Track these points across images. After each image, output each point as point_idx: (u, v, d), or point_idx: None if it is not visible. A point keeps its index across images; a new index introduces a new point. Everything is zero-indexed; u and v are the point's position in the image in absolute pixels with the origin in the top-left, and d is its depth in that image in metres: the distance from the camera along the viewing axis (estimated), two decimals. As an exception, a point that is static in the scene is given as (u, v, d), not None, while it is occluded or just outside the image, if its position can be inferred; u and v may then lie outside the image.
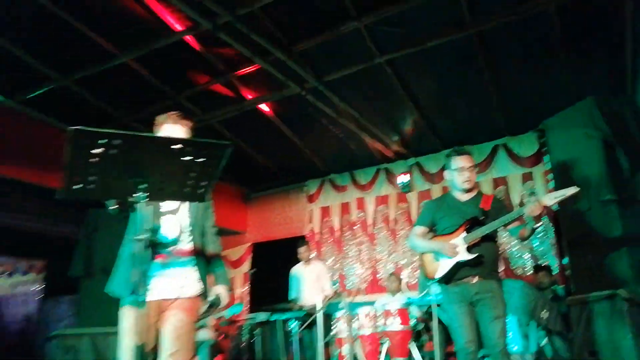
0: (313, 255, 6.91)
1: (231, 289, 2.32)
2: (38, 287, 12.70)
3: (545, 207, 2.79)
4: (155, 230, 2.31)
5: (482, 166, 6.89)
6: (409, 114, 6.30)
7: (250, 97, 5.79)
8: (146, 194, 1.78)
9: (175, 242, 2.38)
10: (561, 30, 4.65)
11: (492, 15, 4.53)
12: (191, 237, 2.43)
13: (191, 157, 1.76)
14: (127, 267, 2.27)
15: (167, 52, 4.89)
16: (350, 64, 5.19)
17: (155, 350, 2.34)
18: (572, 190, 2.71)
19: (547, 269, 5.73)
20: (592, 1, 4.31)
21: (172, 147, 1.70)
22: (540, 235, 6.37)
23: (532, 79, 5.57)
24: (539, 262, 6.16)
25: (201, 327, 5.22)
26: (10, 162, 5.52)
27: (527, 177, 6.68)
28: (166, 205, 2.44)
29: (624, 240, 3.07)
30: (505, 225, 2.96)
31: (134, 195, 1.77)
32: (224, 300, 2.47)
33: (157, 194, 1.87)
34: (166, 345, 2.30)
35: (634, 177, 3.19)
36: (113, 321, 4.31)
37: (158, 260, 2.33)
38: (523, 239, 3.05)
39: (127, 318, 2.33)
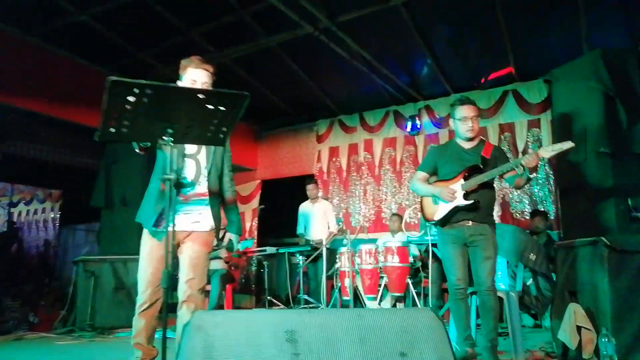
0: (320, 193, 7.17)
1: (241, 229, 2.59)
2: (55, 215, 13.26)
3: (542, 158, 2.97)
4: (178, 171, 2.49)
5: (490, 111, 6.99)
6: (422, 57, 6.33)
7: (263, 35, 5.81)
8: (172, 138, 1.99)
9: (193, 184, 2.62)
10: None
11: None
12: (207, 180, 2.66)
13: (214, 106, 1.94)
14: (153, 202, 2.56)
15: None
16: (365, 4, 5.15)
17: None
18: (567, 145, 2.88)
19: (544, 214, 5.98)
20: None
21: (198, 96, 1.88)
22: (540, 181, 6.57)
23: (546, 28, 5.55)
24: (537, 207, 6.40)
25: (214, 258, 5.60)
26: (29, 95, 5.69)
27: (533, 124, 6.78)
28: (189, 148, 2.64)
29: (613, 191, 3.24)
30: (502, 174, 3.15)
31: (162, 137, 1.97)
32: (236, 246, 2.75)
33: (182, 138, 2.07)
34: (183, 273, 2.61)
35: (630, 130, 3.32)
36: (131, 249, 4.68)
37: (178, 198, 2.55)
38: (518, 188, 3.25)
39: (146, 246, 2.62)
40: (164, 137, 1.97)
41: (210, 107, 1.94)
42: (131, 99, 1.78)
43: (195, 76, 2.65)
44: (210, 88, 2.64)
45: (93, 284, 5.57)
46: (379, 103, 7.77)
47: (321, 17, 5.14)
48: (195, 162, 2.66)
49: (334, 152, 8.35)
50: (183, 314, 2.57)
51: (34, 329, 6.01)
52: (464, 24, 5.67)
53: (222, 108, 1.95)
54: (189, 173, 2.62)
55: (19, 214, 14.37)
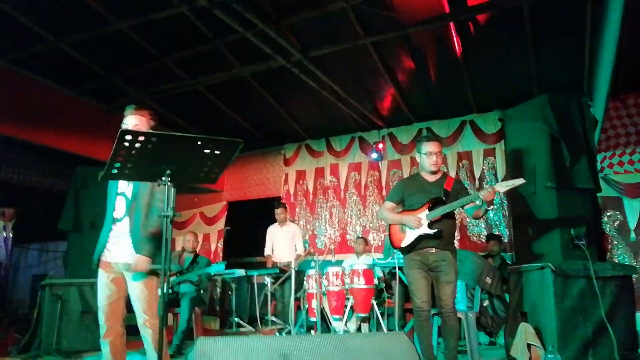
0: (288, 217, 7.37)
1: (152, 257, 2.82)
2: (8, 234, 12.81)
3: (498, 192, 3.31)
4: (113, 208, 2.90)
5: (450, 140, 7.43)
6: (386, 89, 6.71)
7: (236, 66, 6.03)
8: (169, 178, 2.19)
9: (119, 219, 2.90)
10: (531, 25, 5.12)
11: (471, 7, 4.93)
12: (128, 217, 2.89)
13: (210, 150, 2.16)
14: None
15: (161, 21, 5.05)
16: (336, 41, 5.48)
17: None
18: (519, 181, 3.24)
19: (498, 237, 6.41)
20: (559, 2, 4.76)
21: (197, 142, 2.09)
22: (495, 207, 7.02)
23: (502, 66, 6.03)
24: (492, 232, 6.83)
25: (184, 280, 5.69)
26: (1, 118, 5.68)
27: (489, 153, 7.25)
28: (121, 185, 2.92)
29: (558, 222, 3.64)
30: (462, 206, 3.48)
31: (161, 177, 2.17)
32: (135, 265, 2.84)
33: (178, 178, 2.26)
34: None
35: (573, 167, 3.74)
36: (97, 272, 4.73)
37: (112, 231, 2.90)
38: (477, 218, 3.59)
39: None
40: (162, 177, 2.17)
41: (206, 151, 2.15)
42: (137, 145, 1.98)
43: (130, 121, 2.95)
44: (146, 129, 2.89)
45: (60, 308, 5.54)
46: (345, 129, 8.10)
47: (294, 51, 5.42)
48: (122, 200, 2.92)
49: (300, 175, 8.59)
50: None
51: (-14, 354, 5.87)
52: (425, 60, 6.07)
53: (217, 152, 2.17)
54: (117, 211, 2.91)
55: (-30, 233, 13.82)
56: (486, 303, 4.37)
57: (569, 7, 4.84)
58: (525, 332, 3.54)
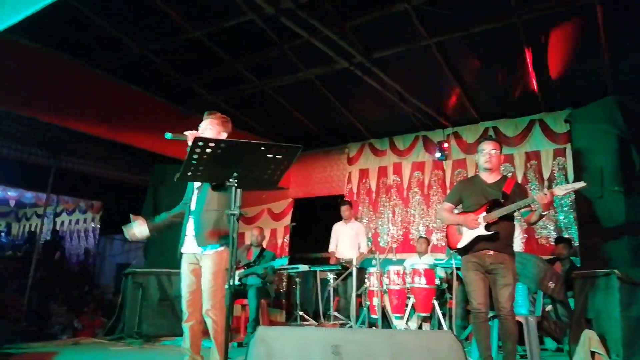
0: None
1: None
2: (96, 225, 13.94)
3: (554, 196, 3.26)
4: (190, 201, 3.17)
5: (517, 140, 7.24)
6: (451, 89, 6.67)
7: (302, 69, 6.25)
8: (236, 180, 2.41)
9: (196, 212, 3.14)
10: (603, 23, 4.90)
11: (538, 4, 4.81)
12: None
13: (272, 155, 2.35)
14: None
15: (232, 28, 5.37)
16: (399, 43, 5.55)
17: None
18: (579, 185, 3.18)
19: (568, 241, 6.18)
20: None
21: (260, 148, 2.30)
22: (565, 209, 6.77)
23: (571, 62, 5.81)
24: (562, 234, 6.59)
25: (250, 273, 6.01)
26: (85, 118, 6.25)
27: (559, 153, 6.97)
28: (196, 183, 3.17)
29: (626, 227, 3.52)
30: (520, 209, 3.45)
31: (229, 180, 2.39)
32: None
33: (244, 180, 2.48)
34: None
35: (643, 172, 3.60)
36: (174, 264, 5.15)
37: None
38: (529, 223, 3.55)
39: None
40: (230, 180, 2.39)
41: (269, 155, 2.34)
42: (208, 150, 2.21)
43: (203, 124, 3.23)
44: (215, 131, 3.17)
45: (141, 295, 6.04)
46: (408, 128, 8.11)
47: (356, 54, 5.55)
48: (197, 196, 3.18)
49: (364, 174, 8.70)
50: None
51: (77, 335, 6.51)
52: (491, 58, 5.98)
53: (279, 157, 2.36)
54: (193, 204, 3.18)
55: (62, 223, 15.16)
56: (549, 308, 4.29)
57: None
58: (589, 339, 3.47)
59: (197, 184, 3.22)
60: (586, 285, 3.72)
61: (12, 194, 13.46)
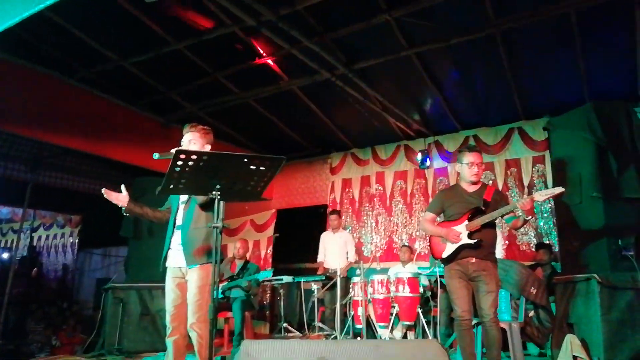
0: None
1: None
2: (74, 239, 13.67)
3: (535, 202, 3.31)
4: (175, 215, 3.19)
5: (497, 148, 7.35)
6: (431, 98, 6.75)
7: (284, 79, 6.27)
8: (219, 192, 2.39)
9: (180, 227, 3.15)
10: (580, 32, 5.03)
11: (515, 14, 4.90)
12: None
13: (256, 166, 2.34)
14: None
15: (214, 40, 5.36)
16: (380, 54, 5.59)
17: None
18: (558, 190, 3.24)
19: (548, 247, 6.27)
20: (607, 8, 4.66)
21: (243, 160, 2.29)
22: (545, 215, 6.88)
23: (549, 70, 5.93)
24: (542, 240, 6.69)
25: (235, 286, 5.95)
26: (64, 132, 6.14)
27: (538, 160, 7.09)
28: (182, 197, 3.18)
29: (605, 232, 3.58)
30: (502, 215, 3.50)
31: (212, 192, 2.37)
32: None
33: (227, 192, 2.46)
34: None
35: (620, 177, 3.67)
36: (156, 277, 5.07)
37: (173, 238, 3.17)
38: (515, 228, 3.60)
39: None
40: (212, 192, 2.37)
41: (252, 167, 2.33)
42: (190, 163, 2.19)
43: (186, 138, 3.19)
44: (199, 145, 3.15)
45: (121, 310, 5.93)
46: (390, 138, 8.17)
47: (338, 65, 5.59)
48: (183, 209, 3.18)
49: (347, 183, 8.73)
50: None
51: (55, 352, 6.34)
52: (471, 67, 6.07)
53: (262, 168, 2.35)
54: (179, 219, 3.18)
55: (39, 238, 14.84)
56: (531, 313, 4.33)
57: (618, 12, 4.73)
58: (571, 343, 3.51)
59: (183, 199, 3.21)
60: (567, 290, 3.78)
61: (-15, 209, 13.15)
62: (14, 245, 7.87)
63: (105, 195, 3.03)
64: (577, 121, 3.94)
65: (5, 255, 14.35)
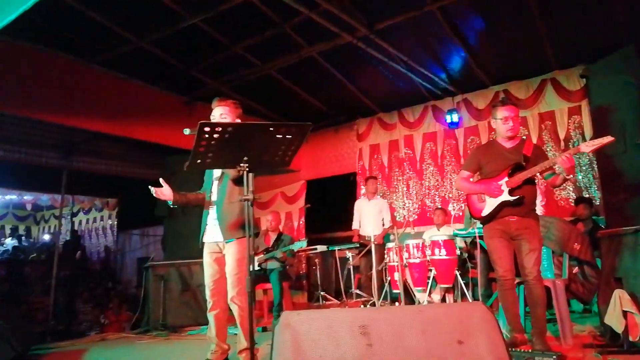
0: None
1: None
2: (113, 222, 14.07)
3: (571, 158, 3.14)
4: (209, 191, 3.22)
5: (530, 101, 7.06)
6: (457, 54, 6.49)
7: (304, 46, 6.11)
8: (247, 164, 2.34)
9: (215, 202, 3.18)
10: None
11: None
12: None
13: (282, 135, 2.27)
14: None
15: (230, 11, 5.23)
16: (402, 11, 5.36)
17: None
18: (607, 139, 3.04)
19: (589, 201, 6.05)
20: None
21: (269, 128, 2.21)
22: (584, 168, 6.62)
23: (583, 16, 5.59)
24: (582, 195, 6.45)
25: (271, 258, 6.00)
26: (94, 117, 6.21)
27: (574, 111, 6.79)
28: (216, 171, 3.20)
29: (652, 182, 3.40)
30: (541, 172, 3.35)
31: (240, 164, 2.32)
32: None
33: (255, 163, 2.40)
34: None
35: (668, 122, 3.45)
36: (193, 254, 5.15)
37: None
38: (554, 186, 3.44)
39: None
40: (240, 164, 2.32)
41: (279, 136, 2.26)
42: (215, 135, 2.13)
43: (217, 112, 3.15)
44: (230, 119, 3.11)
45: (163, 287, 6.07)
46: (417, 99, 7.96)
47: (359, 26, 5.40)
48: (217, 185, 3.21)
49: (375, 149, 8.59)
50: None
51: (104, 330, 6.58)
52: (498, 17, 5.77)
53: (289, 136, 2.28)
54: (214, 194, 3.21)
55: (80, 222, 15.34)
56: (576, 270, 4.20)
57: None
58: (620, 298, 3.38)
59: (216, 174, 3.21)
60: (613, 244, 3.62)
61: (28, 197, 13.59)
62: (57, 230, 8.10)
63: (153, 194, 3.11)
64: (617, 65, 3.70)
65: (47, 238, 14.94)
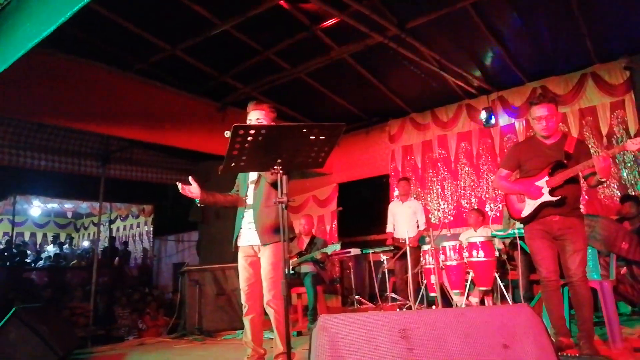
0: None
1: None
2: (149, 228, 14.35)
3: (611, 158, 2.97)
4: (245, 195, 3.21)
5: (569, 97, 6.82)
6: (492, 51, 6.33)
7: (334, 48, 6.08)
8: (281, 166, 2.32)
9: (251, 206, 3.17)
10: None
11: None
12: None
13: (315, 136, 2.24)
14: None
15: (259, 16, 5.26)
16: (433, 9, 5.28)
17: None
18: (655, 135, 2.89)
19: (635, 198, 5.77)
20: None
21: (302, 130, 2.18)
22: (629, 164, 6.34)
23: (624, 6, 5.36)
24: (627, 192, 6.18)
25: (305, 261, 5.97)
26: (128, 125, 6.35)
27: (617, 106, 6.52)
28: (251, 175, 3.19)
29: None
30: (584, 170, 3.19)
31: (273, 167, 2.30)
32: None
33: (289, 165, 2.38)
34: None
35: None
36: (227, 258, 5.16)
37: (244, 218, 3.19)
38: (589, 186, 3.27)
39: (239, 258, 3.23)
40: (274, 167, 2.30)
41: (312, 137, 2.23)
42: (249, 138, 2.11)
43: (253, 116, 3.13)
44: (266, 122, 3.08)
45: (198, 292, 6.13)
46: (450, 98, 7.81)
47: (390, 26, 5.33)
48: (253, 189, 3.19)
49: (407, 150, 8.47)
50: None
51: (142, 335, 6.69)
52: (533, 11, 5.60)
53: (321, 137, 2.24)
54: (251, 198, 3.20)
55: (117, 229, 15.73)
56: (624, 270, 4.00)
57: None
58: (673, 300, 3.20)
59: (252, 178, 3.21)
60: (665, 243, 3.43)
61: (68, 206, 14.02)
62: (95, 237, 8.32)
63: (180, 191, 3.08)
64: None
65: (86, 244, 15.35)
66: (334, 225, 9.17)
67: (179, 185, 3.08)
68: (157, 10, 5.21)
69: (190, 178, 3.16)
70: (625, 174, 6.36)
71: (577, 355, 3.11)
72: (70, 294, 9.47)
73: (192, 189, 3.10)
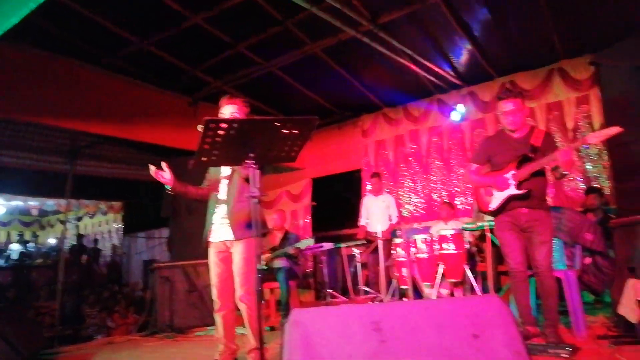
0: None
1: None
2: (118, 225, 14.08)
3: (577, 151, 3.06)
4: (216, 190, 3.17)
5: (537, 92, 6.97)
6: (462, 45, 6.41)
7: (307, 43, 6.06)
8: (253, 160, 2.29)
9: (222, 201, 3.15)
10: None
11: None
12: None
13: (288, 130, 2.22)
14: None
15: (231, 9, 5.19)
16: (405, 3, 5.29)
17: None
18: (614, 130, 2.96)
19: (599, 191, 5.96)
20: None
21: (275, 124, 2.17)
22: (593, 157, 6.53)
23: (591, 3, 5.49)
24: (591, 184, 6.38)
25: (278, 256, 5.96)
26: (98, 120, 6.18)
27: (582, 100, 6.69)
28: (223, 170, 3.17)
29: (666, 170, 3.33)
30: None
31: (245, 161, 2.28)
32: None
33: (262, 159, 2.36)
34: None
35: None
36: (199, 254, 5.10)
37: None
38: (555, 178, 3.36)
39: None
40: (246, 161, 2.27)
41: (285, 131, 2.22)
42: (221, 132, 2.09)
43: (227, 110, 3.11)
44: (240, 116, 3.05)
45: (169, 288, 6.04)
46: (422, 93, 7.88)
47: (363, 20, 5.34)
48: (226, 184, 3.16)
49: (380, 145, 8.52)
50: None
51: (111, 334, 6.57)
52: (502, 6, 5.68)
53: (295, 131, 2.23)
54: (222, 193, 3.17)
55: (85, 227, 15.38)
56: (588, 260, 4.13)
57: None
58: (634, 288, 3.32)
59: (225, 173, 3.17)
60: (626, 234, 3.55)
61: (33, 203, 13.62)
62: (62, 235, 8.11)
63: (152, 174, 3.01)
64: (629, 52, 3.63)
65: (53, 242, 14.95)
66: (307, 220, 9.17)
67: (152, 168, 3.00)
68: (126, 3, 5.07)
69: (163, 164, 3.09)
70: (589, 167, 6.56)
71: (543, 343, 3.20)
72: (36, 293, 9.22)
73: (164, 175, 3.04)
